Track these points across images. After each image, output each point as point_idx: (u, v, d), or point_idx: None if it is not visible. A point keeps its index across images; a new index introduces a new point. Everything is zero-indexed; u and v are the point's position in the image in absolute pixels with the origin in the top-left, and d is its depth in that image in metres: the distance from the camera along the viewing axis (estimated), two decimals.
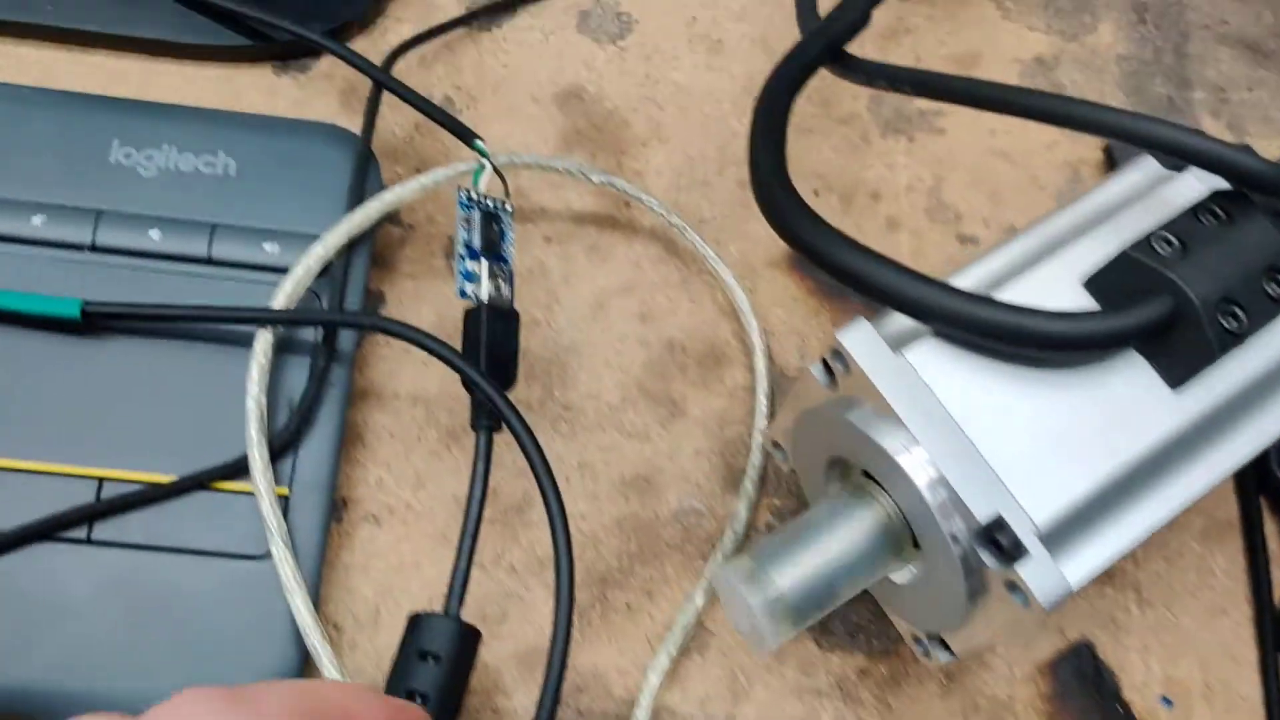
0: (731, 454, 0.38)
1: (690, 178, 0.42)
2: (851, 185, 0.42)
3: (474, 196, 0.35)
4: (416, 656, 0.29)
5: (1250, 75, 0.46)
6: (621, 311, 0.39)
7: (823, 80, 0.41)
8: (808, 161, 0.42)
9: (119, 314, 0.34)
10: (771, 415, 0.38)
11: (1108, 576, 0.37)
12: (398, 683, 0.29)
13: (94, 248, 0.35)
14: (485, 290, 0.34)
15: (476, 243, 0.34)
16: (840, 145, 0.43)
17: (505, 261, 0.35)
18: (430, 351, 0.33)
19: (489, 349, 0.33)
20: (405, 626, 0.30)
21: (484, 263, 0.34)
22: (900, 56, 0.45)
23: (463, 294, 0.34)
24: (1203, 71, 0.46)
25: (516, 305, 0.35)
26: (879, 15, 0.40)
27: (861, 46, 0.42)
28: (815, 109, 0.43)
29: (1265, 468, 0.38)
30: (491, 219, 0.35)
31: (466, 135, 0.37)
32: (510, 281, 0.35)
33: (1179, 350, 0.28)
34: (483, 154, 0.36)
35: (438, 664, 0.29)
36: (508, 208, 0.36)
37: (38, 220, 0.35)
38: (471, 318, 0.34)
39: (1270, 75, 0.46)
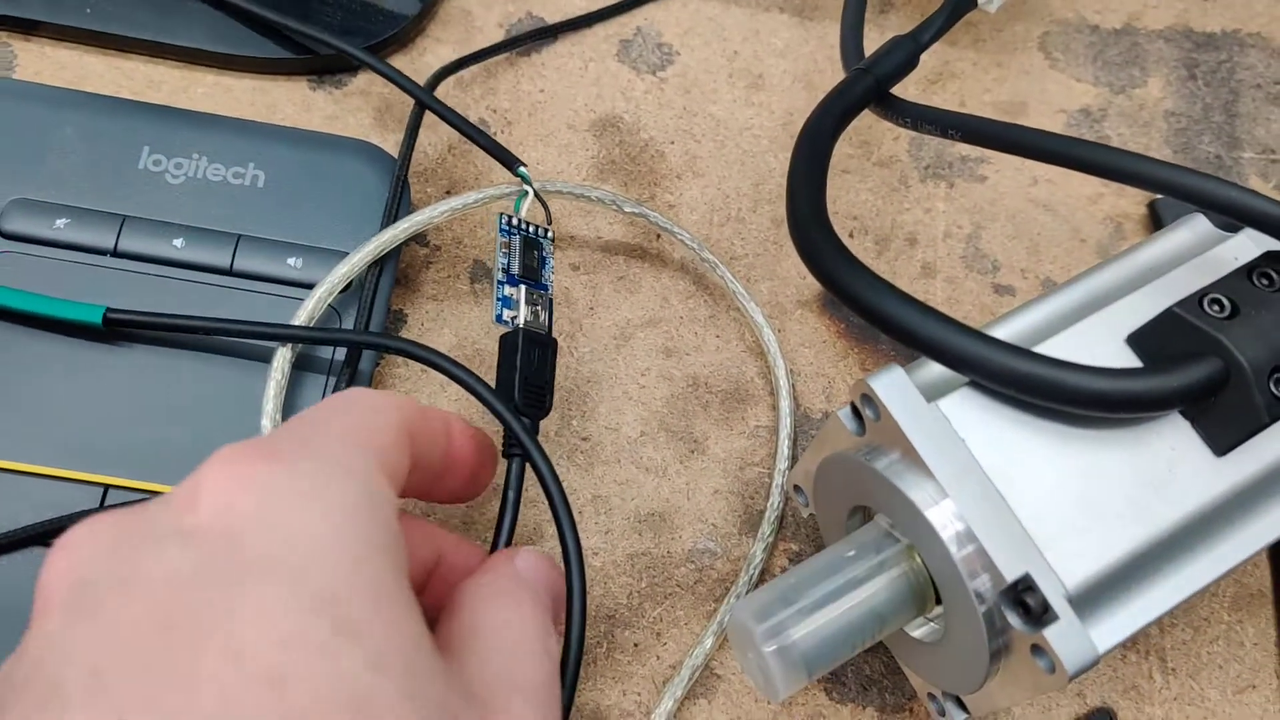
0: (750, 495, 0.37)
1: (724, 213, 0.41)
2: (888, 229, 0.41)
3: (514, 222, 0.35)
4: None
5: None
6: (646, 344, 0.39)
7: (863, 121, 0.40)
8: (844, 202, 0.42)
9: (141, 323, 0.33)
10: (794, 458, 0.37)
11: (1131, 641, 0.36)
12: None
13: (116, 253, 0.35)
14: (523, 315, 0.33)
15: (515, 269, 0.34)
16: (878, 187, 0.42)
17: (544, 289, 0.35)
18: (455, 379, 0.31)
19: (523, 376, 0.33)
20: None
21: (522, 289, 0.34)
22: (944, 102, 0.44)
23: (499, 319, 0.33)
24: (1252, 131, 0.45)
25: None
26: (924, 59, 0.39)
27: (905, 90, 0.41)
28: (854, 149, 0.43)
29: None
30: (531, 245, 0.35)
31: (509, 160, 0.37)
32: (549, 309, 0.34)
33: (1225, 415, 0.27)
34: (525, 180, 0.36)
35: None
36: (549, 234, 0.36)
37: (61, 223, 0.35)
38: (507, 343, 0.33)
39: None
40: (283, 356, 0.34)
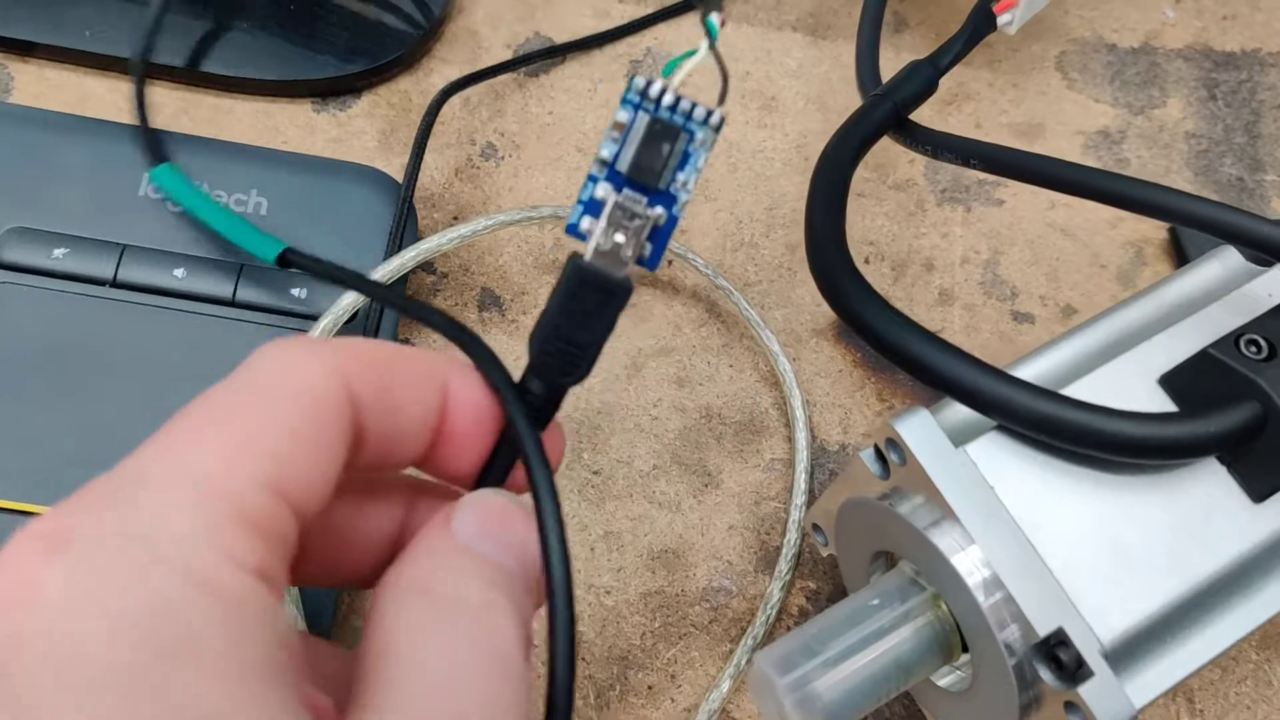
0: (766, 531, 0.36)
1: (737, 239, 0.40)
2: (904, 254, 0.40)
3: (649, 92, 0.22)
4: None
5: None
6: (658, 374, 0.38)
7: (879, 144, 0.39)
8: (860, 227, 0.41)
9: (312, 268, 0.33)
10: (810, 492, 0.36)
11: None
12: None
13: (115, 283, 0.34)
14: (595, 239, 0.22)
15: (624, 163, 0.22)
16: (895, 212, 0.41)
17: (662, 204, 0.22)
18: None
19: (557, 322, 0.22)
20: None
21: (617, 196, 0.22)
22: (960, 123, 0.43)
23: (573, 230, 0.22)
24: (1275, 152, 0.44)
25: None
26: (941, 79, 0.38)
27: (920, 112, 0.40)
28: (870, 173, 0.42)
29: None
30: (664, 134, 0.22)
31: None
32: (657, 237, 0.22)
33: (1263, 461, 0.26)
34: (709, 31, 0.22)
35: None
36: (709, 120, 0.22)
37: (59, 252, 0.34)
38: (562, 271, 0.22)
39: None
40: None
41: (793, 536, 0.35)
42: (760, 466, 0.37)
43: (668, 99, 0.22)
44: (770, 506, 0.36)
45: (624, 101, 0.22)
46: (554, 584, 0.19)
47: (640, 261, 0.22)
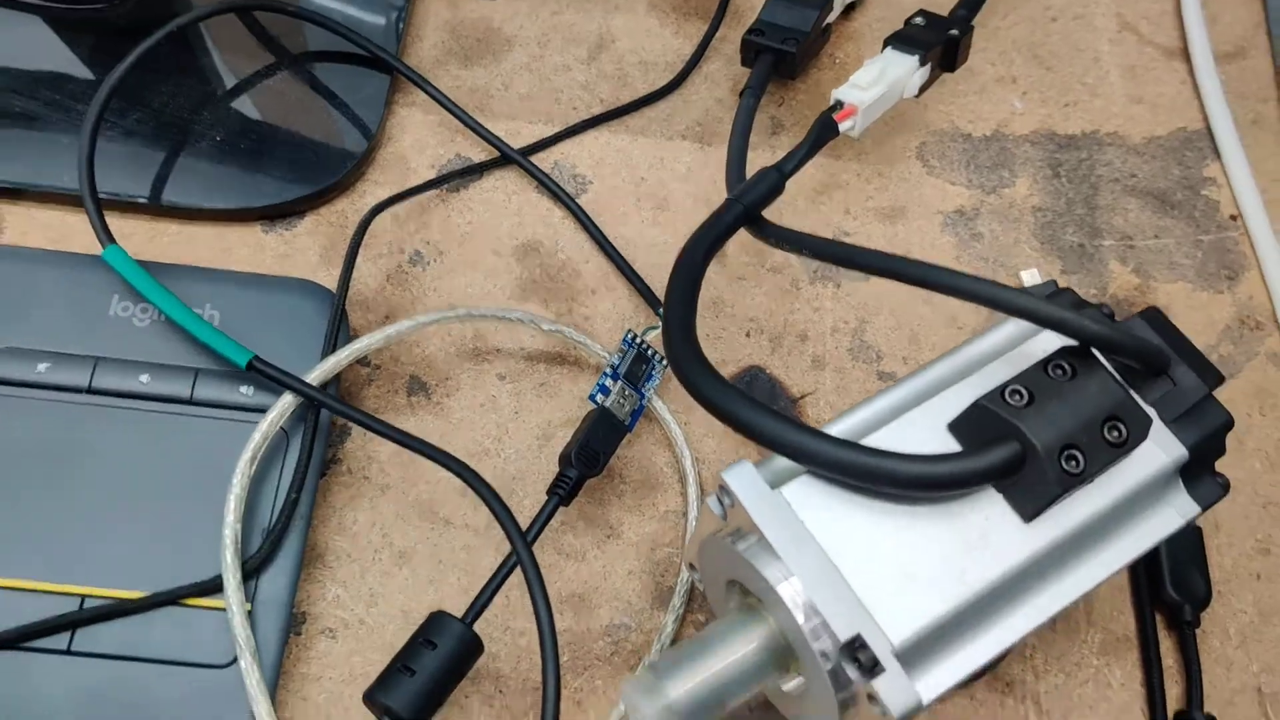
0: (661, 574, 0.41)
1: (634, 323, 0.46)
2: (781, 327, 0.46)
3: (637, 340, 0.43)
4: (421, 643, 0.36)
5: (1156, 224, 0.50)
6: (565, 443, 0.43)
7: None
8: (741, 306, 0.47)
9: (279, 379, 0.40)
10: None
11: (1007, 687, 0.40)
12: (397, 661, 0.36)
13: (90, 390, 0.40)
14: (610, 400, 0.41)
15: (622, 370, 0.42)
16: (772, 291, 0.47)
17: (640, 394, 0.43)
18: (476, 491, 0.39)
19: (586, 440, 0.40)
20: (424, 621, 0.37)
21: (619, 384, 0.42)
22: (829, 209, 0.49)
23: (592, 398, 0.41)
24: (1111, 220, 0.50)
25: (471, 435, 0.40)
26: (811, 173, 0.45)
27: (794, 201, 0.47)
28: (750, 258, 0.48)
29: (1158, 585, 0.41)
30: (642, 360, 0.43)
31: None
32: (636, 411, 0.42)
33: (1027, 488, 0.32)
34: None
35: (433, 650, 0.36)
36: (662, 363, 0.43)
37: (42, 367, 0.40)
38: (588, 415, 0.41)
39: (1174, 224, 0.50)
40: (241, 474, 0.39)
41: (684, 575, 0.40)
42: (656, 518, 0.42)
43: (644, 347, 0.43)
44: (664, 552, 0.42)
45: (623, 341, 0.43)
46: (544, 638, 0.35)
47: (631, 414, 0.42)
